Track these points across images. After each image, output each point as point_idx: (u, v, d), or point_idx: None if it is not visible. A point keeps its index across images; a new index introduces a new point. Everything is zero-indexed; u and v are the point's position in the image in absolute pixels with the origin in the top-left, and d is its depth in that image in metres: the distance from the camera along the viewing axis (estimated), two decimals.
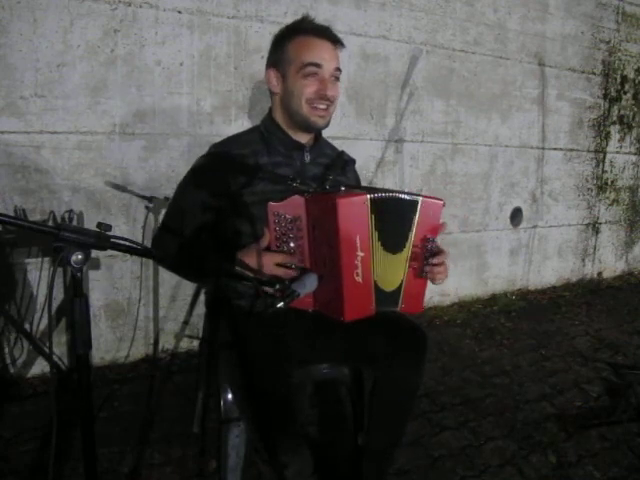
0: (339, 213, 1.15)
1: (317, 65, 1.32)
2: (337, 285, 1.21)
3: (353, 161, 1.58)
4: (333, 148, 1.55)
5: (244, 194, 1.33)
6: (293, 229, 1.27)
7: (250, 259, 1.23)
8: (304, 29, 1.36)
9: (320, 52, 1.33)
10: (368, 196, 1.20)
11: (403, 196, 1.26)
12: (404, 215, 1.27)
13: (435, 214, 1.30)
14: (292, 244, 1.28)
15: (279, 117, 1.42)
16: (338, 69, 1.37)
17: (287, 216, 1.27)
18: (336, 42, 1.37)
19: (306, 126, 1.38)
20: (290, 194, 1.27)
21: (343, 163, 1.52)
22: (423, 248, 1.29)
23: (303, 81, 1.33)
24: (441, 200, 1.30)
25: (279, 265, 1.24)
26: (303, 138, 1.42)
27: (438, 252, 1.31)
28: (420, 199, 1.27)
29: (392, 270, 1.29)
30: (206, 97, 2.45)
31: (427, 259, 1.30)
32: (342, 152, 1.54)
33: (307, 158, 1.42)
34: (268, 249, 1.28)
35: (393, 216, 1.25)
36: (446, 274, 1.33)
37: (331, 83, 1.35)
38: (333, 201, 1.16)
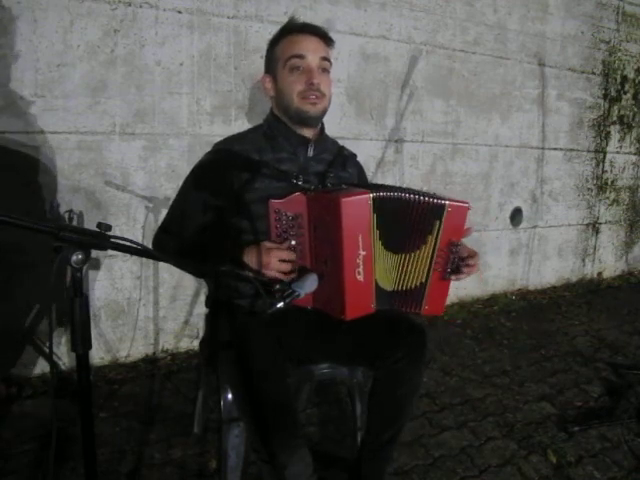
0: (342, 212, 1.15)
1: (300, 57, 1.33)
2: (338, 284, 1.21)
3: (354, 155, 1.59)
4: (334, 143, 1.55)
5: (247, 191, 1.34)
6: (294, 227, 1.27)
7: (254, 256, 1.23)
8: (289, 29, 1.39)
9: (302, 44, 1.35)
10: (371, 195, 1.20)
11: (410, 195, 1.25)
12: (417, 216, 1.27)
13: (460, 218, 1.30)
14: (293, 242, 1.28)
15: (280, 116, 1.43)
16: (325, 59, 1.37)
17: (288, 214, 1.27)
18: (321, 36, 1.38)
19: (300, 118, 1.38)
20: (292, 191, 1.27)
21: (344, 159, 1.52)
22: (448, 252, 1.30)
23: (290, 77, 1.35)
24: (466, 203, 1.30)
25: (283, 261, 1.25)
26: (307, 133, 1.42)
27: (471, 254, 1.37)
28: (447, 203, 1.26)
29: (399, 270, 1.29)
30: (206, 97, 2.45)
31: (452, 262, 1.32)
32: (342, 147, 1.54)
33: (311, 152, 1.42)
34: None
35: (398, 215, 1.25)
36: (475, 272, 1.39)
37: (318, 73, 1.35)
38: (336, 200, 1.15)
